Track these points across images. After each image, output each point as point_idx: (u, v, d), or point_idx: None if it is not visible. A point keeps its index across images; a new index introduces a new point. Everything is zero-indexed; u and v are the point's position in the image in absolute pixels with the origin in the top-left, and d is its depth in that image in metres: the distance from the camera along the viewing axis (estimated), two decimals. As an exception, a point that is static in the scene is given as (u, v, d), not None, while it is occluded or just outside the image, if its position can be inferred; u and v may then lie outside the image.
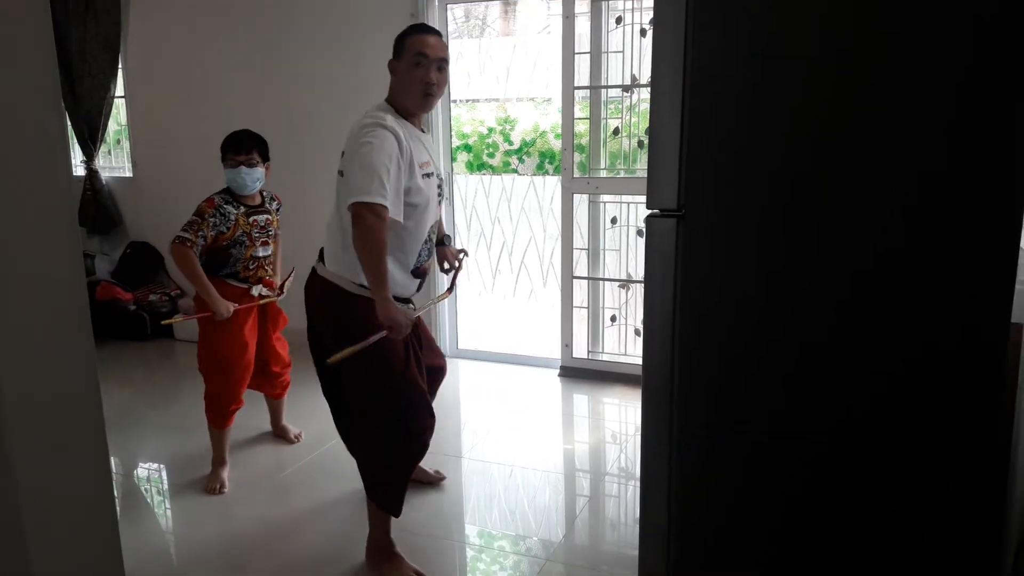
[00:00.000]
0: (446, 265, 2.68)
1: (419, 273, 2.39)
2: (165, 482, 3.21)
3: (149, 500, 3.05)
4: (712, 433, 1.47)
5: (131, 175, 5.27)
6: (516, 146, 6.54)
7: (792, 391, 1.39)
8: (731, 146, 1.37)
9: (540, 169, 6.39)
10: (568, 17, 3.87)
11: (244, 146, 2.93)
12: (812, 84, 1.30)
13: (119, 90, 5.15)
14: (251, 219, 2.99)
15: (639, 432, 3.44)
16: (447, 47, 2.38)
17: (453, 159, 4.49)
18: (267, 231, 3.05)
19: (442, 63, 2.28)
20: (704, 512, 1.52)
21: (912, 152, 1.26)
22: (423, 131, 2.37)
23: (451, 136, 4.40)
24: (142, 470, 3.30)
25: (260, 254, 3.03)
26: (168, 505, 3.02)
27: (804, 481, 1.42)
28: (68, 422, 1.15)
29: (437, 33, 2.33)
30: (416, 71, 2.23)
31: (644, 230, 3.99)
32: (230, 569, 2.47)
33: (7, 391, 1.04)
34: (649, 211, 1.46)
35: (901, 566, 1.38)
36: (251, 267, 3.03)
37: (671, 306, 1.45)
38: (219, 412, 3.07)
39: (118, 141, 5.64)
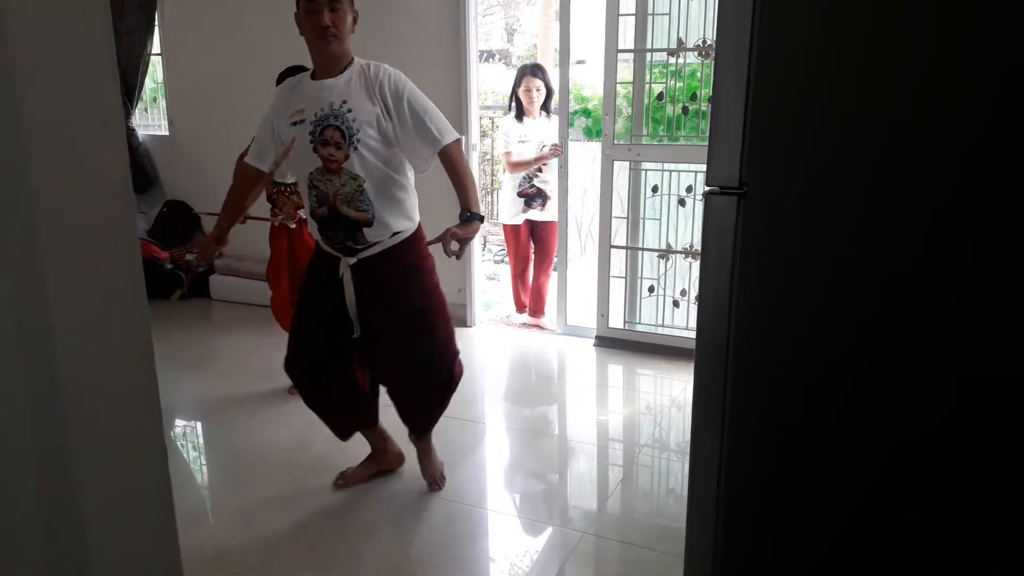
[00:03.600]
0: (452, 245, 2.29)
1: (316, 218, 2.41)
2: (201, 439, 3.25)
3: (185, 457, 3.09)
4: (764, 426, 1.42)
5: (167, 133, 5.27)
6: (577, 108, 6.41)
7: (857, 395, 1.33)
8: (801, 121, 1.29)
9: (587, 133, 6.28)
10: (613, -23, 3.74)
11: None
12: (902, 50, 1.20)
13: (155, 47, 5.13)
14: None
15: (675, 404, 3.44)
16: None
17: (570, 124, 4.38)
18: None
19: (335, 3, 2.24)
20: (754, 495, 1.48)
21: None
22: (338, 75, 2.31)
23: (568, 100, 4.21)
24: (178, 428, 3.34)
25: (284, 181, 3.31)
26: (204, 462, 3.05)
27: (860, 484, 1.36)
28: (122, 379, 1.16)
29: None
30: (309, 18, 2.25)
31: (684, 199, 3.85)
32: (269, 529, 2.49)
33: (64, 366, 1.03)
34: (708, 187, 1.39)
35: None
36: (274, 192, 3.37)
37: (727, 288, 1.39)
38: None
39: (154, 99, 5.63)
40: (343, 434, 2.71)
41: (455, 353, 2.56)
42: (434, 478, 2.70)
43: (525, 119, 4.26)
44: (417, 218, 2.50)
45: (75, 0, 1.02)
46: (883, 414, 1.33)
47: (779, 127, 1.31)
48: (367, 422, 2.70)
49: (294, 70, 3.11)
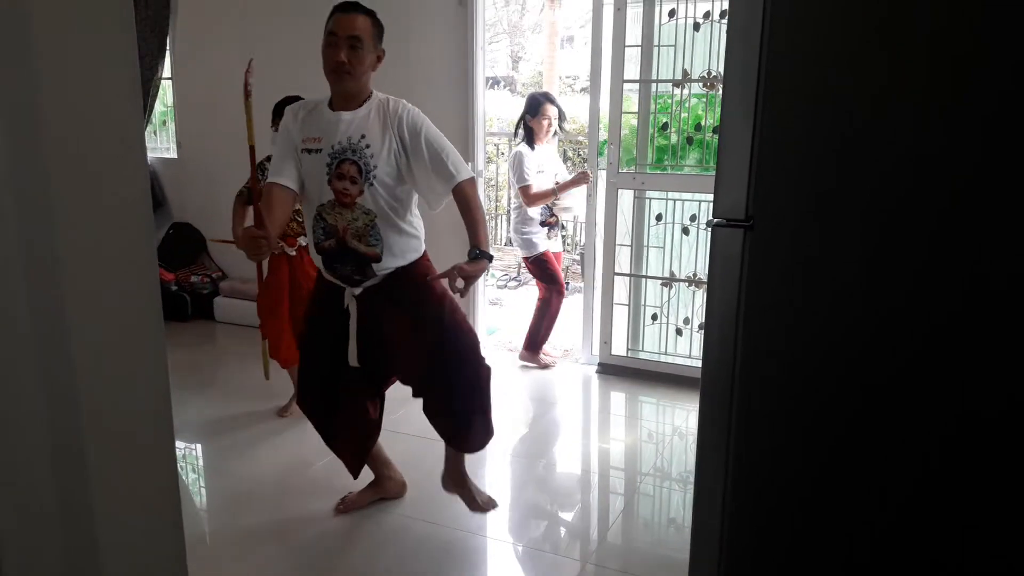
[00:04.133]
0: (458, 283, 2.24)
1: (321, 251, 2.39)
2: (201, 462, 3.24)
3: (184, 479, 3.08)
4: (769, 457, 1.42)
5: (176, 156, 5.31)
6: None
7: (862, 427, 1.33)
8: (808, 154, 1.30)
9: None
10: (619, 9, 3.79)
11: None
12: (909, 82, 1.22)
13: (166, 72, 5.19)
14: None
15: (677, 433, 3.43)
16: (370, 24, 2.31)
17: (600, 153, 4.10)
18: None
19: (355, 41, 2.26)
20: (759, 525, 1.48)
21: None
22: (356, 109, 2.31)
23: (598, 128, 4.09)
24: (179, 450, 3.33)
25: None
26: (203, 485, 3.04)
27: (864, 519, 1.36)
28: (137, 397, 1.17)
29: (355, 9, 2.32)
30: (327, 51, 2.28)
31: (688, 228, 3.87)
32: (267, 553, 2.48)
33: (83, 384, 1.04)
34: (715, 219, 1.41)
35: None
36: None
37: (734, 319, 1.40)
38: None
39: (164, 122, 5.68)
40: (355, 468, 2.67)
41: (477, 350, 2.48)
42: (480, 504, 2.63)
43: (536, 147, 4.10)
44: (423, 247, 2.50)
45: (101, 22, 1.03)
46: (888, 448, 1.33)
47: (786, 160, 1.32)
48: (372, 446, 2.69)
49: (290, 100, 3.16)
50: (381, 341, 2.46)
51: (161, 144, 5.65)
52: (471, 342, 2.47)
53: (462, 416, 2.48)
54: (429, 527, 2.62)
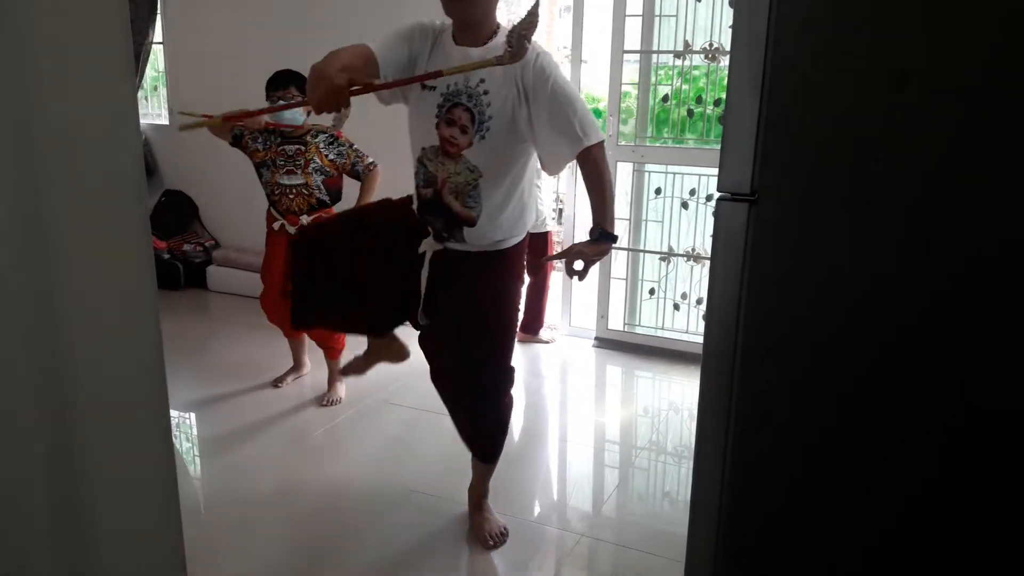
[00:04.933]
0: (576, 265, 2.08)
1: (419, 197, 2.13)
2: (194, 431, 3.23)
3: (178, 447, 3.07)
4: (770, 434, 1.41)
5: (167, 123, 5.24)
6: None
7: (864, 405, 1.31)
8: (816, 126, 1.27)
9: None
10: (621, -24, 3.72)
11: (281, 83, 3.11)
12: (923, 51, 1.18)
13: (157, 36, 5.09)
14: (281, 148, 3.18)
15: (673, 407, 3.43)
16: None
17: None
18: (295, 161, 3.17)
19: None
20: (758, 503, 1.47)
21: None
22: (483, 46, 1.99)
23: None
24: (172, 418, 3.32)
25: (285, 181, 3.18)
26: (196, 454, 3.03)
27: (867, 496, 1.35)
28: (130, 378, 1.15)
29: None
30: None
31: (687, 202, 3.83)
32: (254, 518, 2.47)
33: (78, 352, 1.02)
34: (719, 193, 1.37)
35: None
36: (276, 193, 3.21)
37: (736, 295, 1.37)
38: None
39: (155, 88, 5.60)
40: (306, 321, 2.48)
41: (507, 376, 2.28)
42: (487, 535, 2.38)
43: None
44: (527, 229, 2.22)
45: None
46: (892, 424, 1.31)
47: (793, 133, 1.29)
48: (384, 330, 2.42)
49: (283, 75, 3.12)
50: (435, 310, 2.23)
51: (152, 110, 5.57)
52: (500, 377, 2.25)
53: (473, 426, 2.35)
54: (428, 498, 2.62)
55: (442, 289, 2.18)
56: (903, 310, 1.27)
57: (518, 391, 3.67)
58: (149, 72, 5.29)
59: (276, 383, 3.52)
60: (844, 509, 1.38)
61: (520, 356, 4.06)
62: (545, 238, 3.93)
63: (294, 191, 3.18)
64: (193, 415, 3.34)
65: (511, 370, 2.28)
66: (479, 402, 2.27)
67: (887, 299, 1.27)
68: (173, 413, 3.35)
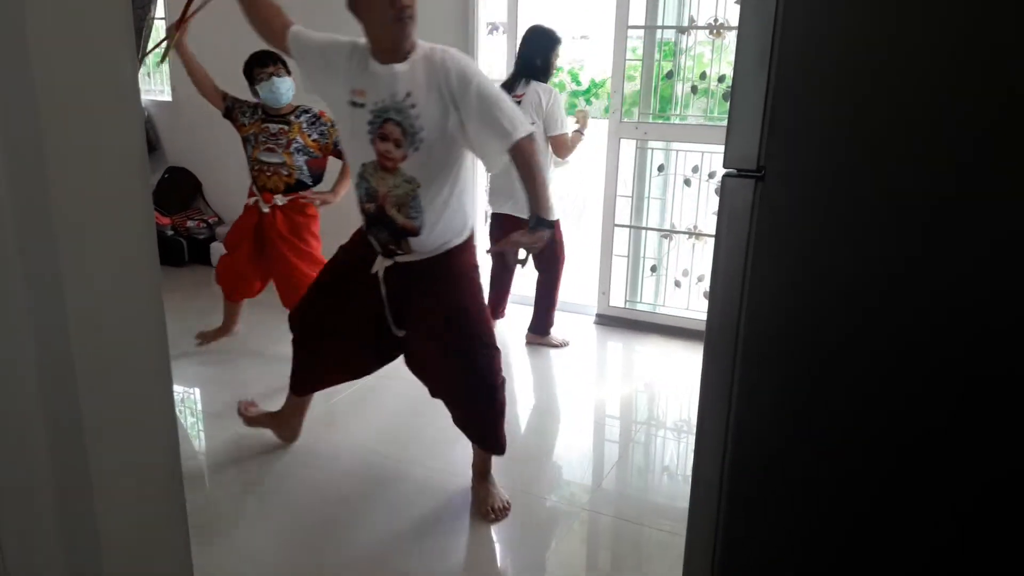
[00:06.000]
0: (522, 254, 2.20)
1: (363, 212, 2.24)
2: (199, 406, 3.25)
3: (183, 422, 3.10)
4: (771, 412, 1.42)
5: (170, 99, 5.22)
6: (584, 87, 6.25)
7: (868, 385, 1.33)
8: (825, 101, 1.27)
9: (608, 112, 6.22)
10: (625, -49, 3.69)
11: (271, 59, 3.16)
12: (936, 25, 1.18)
13: (159, 11, 5.05)
14: (264, 124, 3.22)
15: (673, 383, 3.45)
16: None
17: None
18: (276, 139, 3.21)
19: None
20: (759, 479, 1.49)
21: None
22: (403, 61, 2.06)
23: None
24: (177, 394, 3.34)
25: (264, 159, 3.22)
26: (201, 428, 3.06)
27: (868, 474, 1.37)
28: (135, 359, 1.16)
29: None
30: None
31: (689, 180, 3.80)
32: (257, 492, 2.51)
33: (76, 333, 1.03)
34: (725, 169, 1.38)
35: None
36: (255, 169, 3.25)
37: (741, 273, 1.38)
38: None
39: (158, 64, 5.56)
40: (302, 388, 2.66)
41: (497, 368, 2.33)
42: (490, 508, 2.41)
43: None
44: (471, 227, 2.30)
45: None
46: (895, 406, 1.33)
47: (801, 107, 1.29)
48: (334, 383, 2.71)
49: (260, 56, 3.16)
50: (403, 324, 2.35)
51: (155, 87, 5.54)
52: (491, 359, 2.30)
53: (474, 417, 2.40)
54: (429, 472, 2.65)
55: (404, 304, 2.30)
56: (915, 288, 1.27)
57: (522, 367, 3.71)
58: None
59: (201, 339, 3.62)
60: (846, 482, 1.40)
61: (521, 333, 4.08)
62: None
63: (271, 169, 3.22)
64: (197, 390, 3.37)
65: (498, 349, 2.34)
66: (482, 389, 2.32)
67: (897, 275, 1.28)
68: (177, 388, 3.38)
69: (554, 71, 3.53)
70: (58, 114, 0.98)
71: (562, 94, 4.14)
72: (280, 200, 3.21)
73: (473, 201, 2.32)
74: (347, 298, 2.38)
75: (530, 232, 2.11)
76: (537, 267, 3.70)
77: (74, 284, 1.02)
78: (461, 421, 2.43)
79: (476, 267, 2.34)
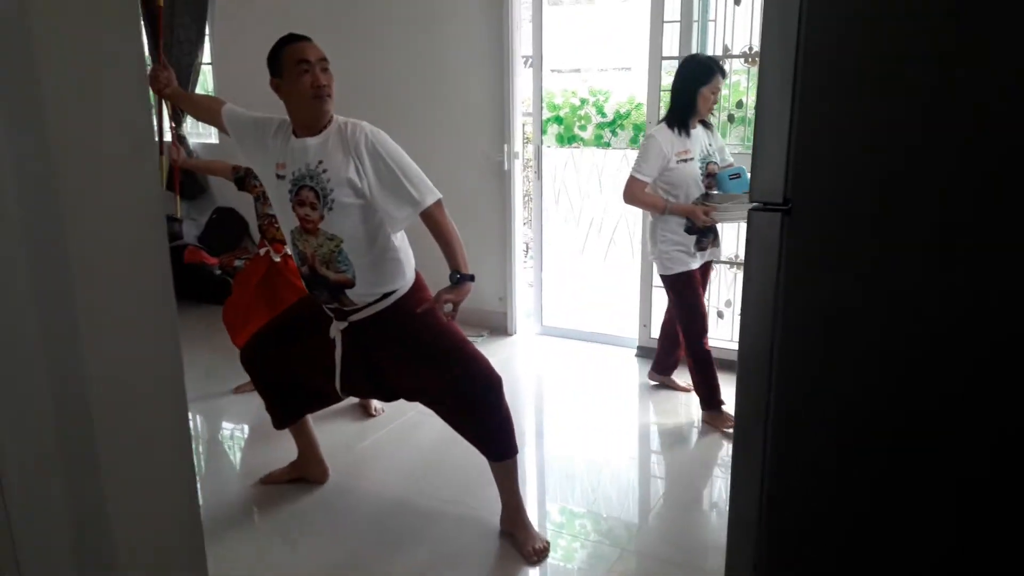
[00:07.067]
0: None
1: (301, 275, 2.47)
2: (244, 441, 3.29)
3: (232, 458, 3.13)
4: (806, 446, 1.38)
5: (217, 142, 5.38)
6: (609, 118, 6.32)
7: (900, 421, 1.28)
8: (849, 134, 1.25)
9: (634, 143, 6.15)
10: (658, -17, 3.70)
11: None
12: (956, 57, 1.16)
13: (206, 57, 5.24)
14: None
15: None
16: (320, 49, 2.36)
17: (544, 132, 4.41)
18: None
19: (324, 64, 2.31)
20: (796, 514, 1.44)
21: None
22: (317, 135, 2.30)
23: (542, 108, 4.31)
24: (225, 430, 3.40)
25: (272, 212, 3.27)
26: (246, 462, 3.09)
27: (905, 510, 1.32)
28: (149, 381, 1.17)
29: (307, 38, 2.36)
30: (303, 78, 2.27)
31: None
32: (293, 525, 2.51)
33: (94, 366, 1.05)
34: (752, 203, 1.36)
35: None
36: (264, 222, 3.41)
37: (771, 306, 1.35)
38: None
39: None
40: (280, 422, 2.75)
41: (489, 371, 2.39)
42: (532, 550, 2.38)
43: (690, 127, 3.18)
44: (411, 274, 2.45)
45: (105, 22, 1.02)
46: (935, 437, 1.28)
47: (825, 142, 1.27)
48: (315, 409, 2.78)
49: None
50: (380, 371, 2.48)
51: (204, 130, 5.72)
52: (481, 366, 2.38)
53: (479, 426, 2.43)
54: (458, 511, 2.63)
55: (375, 358, 2.46)
56: (945, 318, 1.23)
57: (559, 400, 3.68)
58: (199, 92, 5.43)
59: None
60: (884, 521, 1.35)
61: (563, 366, 4.05)
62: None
63: (276, 222, 3.30)
64: (246, 426, 3.41)
65: (472, 353, 2.40)
66: (467, 396, 2.38)
67: (928, 307, 1.24)
68: (227, 424, 3.42)
69: (708, 102, 3.15)
70: (74, 172, 1.00)
71: (588, 127, 4.16)
72: (288, 249, 3.30)
73: (408, 253, 2.46)
74: (301, 349, 2.56)
75: (455, 287, 2.26)
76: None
77: (92, 341, 1.04)
78: (465, 433, 2.47)
79: (428, 298, 2.39)
